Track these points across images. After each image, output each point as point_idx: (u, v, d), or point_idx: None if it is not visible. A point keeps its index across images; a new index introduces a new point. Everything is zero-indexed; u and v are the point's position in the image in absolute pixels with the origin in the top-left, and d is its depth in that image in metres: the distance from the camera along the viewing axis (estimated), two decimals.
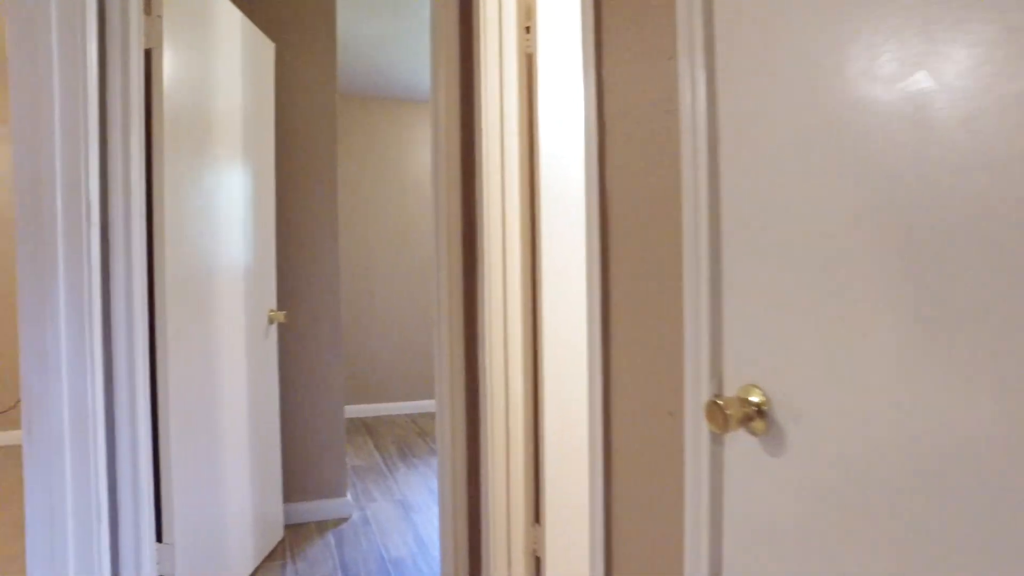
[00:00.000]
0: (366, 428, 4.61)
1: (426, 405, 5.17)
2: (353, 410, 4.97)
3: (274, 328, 2.60)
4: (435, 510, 2.97)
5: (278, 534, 2.56)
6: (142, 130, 1.67)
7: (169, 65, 1.83)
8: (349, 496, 2.89)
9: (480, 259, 1.85)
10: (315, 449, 2.81)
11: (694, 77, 0.87)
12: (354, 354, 4.98)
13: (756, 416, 0.77)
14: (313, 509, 2.78)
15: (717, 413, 0.76)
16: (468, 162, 1.96)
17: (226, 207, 2.18)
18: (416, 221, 5.17)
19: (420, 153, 5.18)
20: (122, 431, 1.57)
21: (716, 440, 0.86)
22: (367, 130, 5.02)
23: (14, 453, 3.97)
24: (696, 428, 0.88)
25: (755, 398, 0.77)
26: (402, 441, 4.24)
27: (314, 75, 2.82)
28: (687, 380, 0.90)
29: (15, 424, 4.22)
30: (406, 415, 5.03)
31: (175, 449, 1.82)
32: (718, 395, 0.84)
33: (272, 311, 2.57)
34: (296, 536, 2.64)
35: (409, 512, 2.93)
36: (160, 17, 1.80)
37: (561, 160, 1.86)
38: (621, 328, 1.10)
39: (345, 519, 2.82)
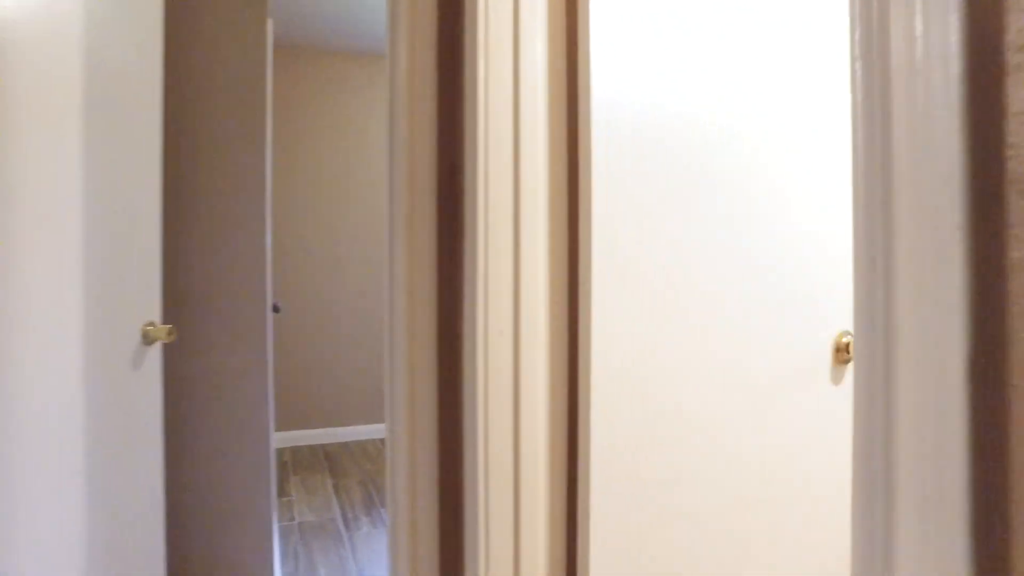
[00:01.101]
0: (327, 460, 3.74)
1: None
2: (311, 435, 4.09)
3: (155, 349, 1.74)
4: None
5: None
6: None
7: None
8: None
9: (468, 239, 1.02)
10: (224, 520, 1.95)
11: None
12: (310, 367, 4.10)
13: None
14: None
15: None
16: (448, 126, 1.12)
17: (33, 183, 1.31)
18: (376, 206, 4.30)
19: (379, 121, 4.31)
20: None
21: None
22: (309, 91, 4.15)
23: None
24: None
25: None
26: (370, 480, 3.38)
27: (232, 5, 1.96)
28: None
29: None
30: (379, 440, 4.17)
31: None
32: None
33: (150, 326, 1.71)
34: None
35: None
36: None
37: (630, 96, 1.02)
38: None
39: None
